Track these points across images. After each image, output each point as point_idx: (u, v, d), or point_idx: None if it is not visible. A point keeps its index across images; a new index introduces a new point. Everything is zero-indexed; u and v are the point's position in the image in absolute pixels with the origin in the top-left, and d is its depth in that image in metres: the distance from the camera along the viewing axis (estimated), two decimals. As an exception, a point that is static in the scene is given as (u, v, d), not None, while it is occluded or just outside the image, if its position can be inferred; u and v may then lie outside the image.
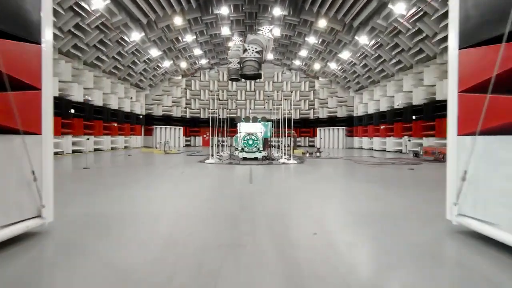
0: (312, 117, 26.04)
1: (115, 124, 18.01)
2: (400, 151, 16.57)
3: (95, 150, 16.12)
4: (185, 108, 25.88)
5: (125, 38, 15.25)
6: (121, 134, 19.40)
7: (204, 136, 28.23)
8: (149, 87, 23.46)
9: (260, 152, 11.35)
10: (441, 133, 12.97)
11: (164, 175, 7.23)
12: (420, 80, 14.88)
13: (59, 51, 12.75)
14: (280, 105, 18.90)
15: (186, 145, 25.86)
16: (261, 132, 11.63)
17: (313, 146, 25.97)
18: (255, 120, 12.84)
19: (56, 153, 12.77)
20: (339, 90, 24.59)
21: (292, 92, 25.81)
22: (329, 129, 24.98)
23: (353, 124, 23.65)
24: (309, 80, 26.07)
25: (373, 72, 18.51)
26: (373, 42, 15.46)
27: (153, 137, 23.76)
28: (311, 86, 26.04)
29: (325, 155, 14.55)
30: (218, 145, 14.38)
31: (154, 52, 18.38)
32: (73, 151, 14.12)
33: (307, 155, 13.98)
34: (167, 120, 24.52)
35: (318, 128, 25.38)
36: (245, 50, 13.65)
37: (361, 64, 18.57)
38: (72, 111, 13.70)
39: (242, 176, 7.13)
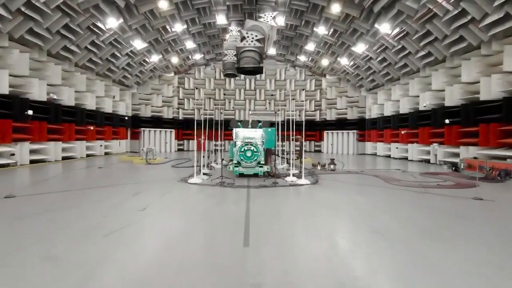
0: (318, 119, 23.43)
1: (91, 128, 15.42)
2: (427, 161, 13.97)
3: (65, 158, 13.53)
4: (178, 108, 23.29)
5: (99, 24, 12.66)
6: (100, 138, 16.81)
7: (199, 139, 25.74)
8: (136, 85, 20.86)
9: (261, 166, 8.77)
10: (488, 141, 10.38)
11: (112, 216, 4.65)
12: (455, 77, 12.28)
13: (9, 37, 10.16)
14: (284, 105, 16.39)
15: (179, 150, 23.29)
16: (262, 141, 9.04)
17: (319, 151, 23.41)
18: (255, 124, 10.24)
19: (4, 166, 10.16)
20: (349, 89, 22.00)
21: (301, 91, 23.24)
22: (337, 132, 22.38)
23: (365, 128, 21.04)
24: (315, 78, 23.48)
25: (393, 68, 15.91)
26: (397, 30, 12.87)
27: (140, 141, 21.17)
28: (317, 85, 23.45)
29: (339, 166, 11.97)
30: (210, 152, 11.83)
31: (138, 44, 15.80)
32: (32, 161, 11.53)
33: (319, 167, 11.39)
34: (157, 122, 21.92)
35: (326, 131, 22.78)
36: (243, 38, 11.10)
37: (379, 59, 15.97)
38: (30, 112, 11.11)
39: (233, 219, 4.54)
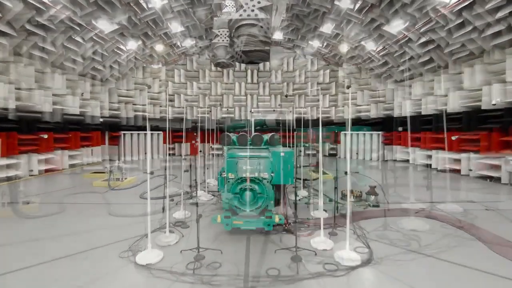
0: (334, 117, 19.67)
1: (45, 136, 11.86)
2: (494, 179, 10.23)
3: (3, 180, 10.04)
4: (167, 106, 19.66)
5: (37, -6, 8.98)
6: (63, 147, 13.29)
7: (193, 142, 22.14)
8: (113, 79, 17.18)
9: (271, 217, 5.14)
10: None
11: None
12: (549, 62, 8.46)
13: None
14: (301, 107, 12.71)
15: (169, 154, 19.71)
16: (272, 174, 5.39)
17: (334, 155, 19.66)
18: (258, 140, 6.53)
19: None
20: (373, 81, 18.12)
21: (307, 83, 19.48)
22: (357, 134, 18.60)
23: (393, 128, 17.25)
24: (330, 68, 19.62)
25: (441, 52, 12.02)
26: (460, -4, 9.01)
27: (120, 147, 17.62)
28: (333, 76, 19.60)
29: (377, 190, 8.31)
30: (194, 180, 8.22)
31: (105, 25, 12.12)
32: None
33: (352, 198, 7.77)
34: (141, 123, 18.34)
35: (343, 132, 19.01)
36: (240, 7, 7.45)
37: (421, 40, 12.08)
38: None
39: None
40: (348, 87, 4.53)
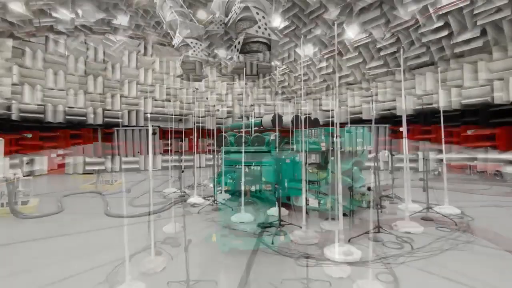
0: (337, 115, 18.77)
1: (29, 135, 11.06)
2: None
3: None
4: (163, 101, 18.79)
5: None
6: (54, 146, 12.50)
7: (191, 137, 21.28)
8: (104, 73, 16.20)
9: (275, 235, 4.38)
10: None
11: None
12: None
13: None
14: (300, 101, 11.86)
15: (165, 151, 18.94)
16: (276, 186, 4.59)
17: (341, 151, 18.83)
18: (258, 141, 5.69)
19: None
20: (378, 72, 17.13)
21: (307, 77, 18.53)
22: (363, 127, 17.70)
23: (399, 123, 16.39)
24: (333, 58, 18.60)
25: (452, 42, 11.06)
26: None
27: (114, 144, 16.81)
28: (336, 67, 18.58)
29: (380, 191, 7.55)
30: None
31: (90, 14, 11.14)
32: None
33: (364, 204, 6.98)
34: (134, 118, 17.49)
35: (346, 126, 18.13)
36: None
37: (435, 25, 11.12)
38: None
39: None
40: (368, 89, 3.67)
